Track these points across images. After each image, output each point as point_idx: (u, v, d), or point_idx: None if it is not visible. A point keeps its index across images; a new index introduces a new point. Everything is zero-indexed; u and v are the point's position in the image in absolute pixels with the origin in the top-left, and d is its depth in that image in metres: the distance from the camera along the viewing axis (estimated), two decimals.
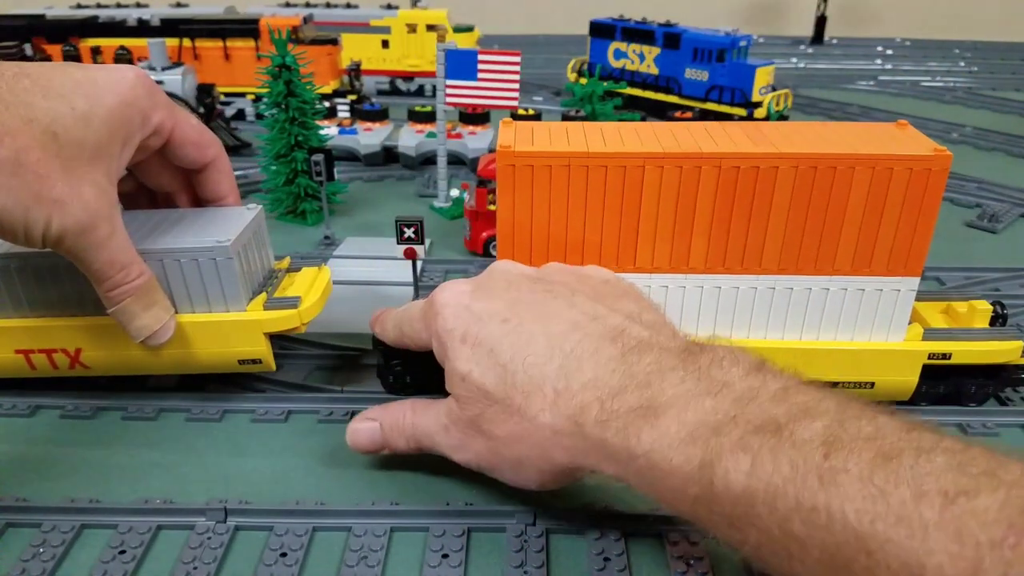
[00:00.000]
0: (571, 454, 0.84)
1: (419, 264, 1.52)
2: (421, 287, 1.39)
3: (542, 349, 0.86)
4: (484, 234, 1.82)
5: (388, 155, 2.53)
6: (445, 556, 0.97)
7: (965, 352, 1.18)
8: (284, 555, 0.97)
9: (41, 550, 0.97)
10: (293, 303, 1.20)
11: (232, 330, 1.18)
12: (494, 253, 1.83)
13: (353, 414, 1.26)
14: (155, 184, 1.25)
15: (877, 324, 1.17)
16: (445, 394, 1.28)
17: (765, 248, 1.11)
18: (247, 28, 3.01)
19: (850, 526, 0.53)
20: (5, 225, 0.92)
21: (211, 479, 1.12)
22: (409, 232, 1.41)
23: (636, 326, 0.89)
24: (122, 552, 0.97)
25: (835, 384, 1.20)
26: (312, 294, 1.24)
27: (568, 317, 0.91)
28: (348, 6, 3.72)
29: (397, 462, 1.16)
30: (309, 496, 1.07)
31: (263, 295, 1.21)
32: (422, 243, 1.41)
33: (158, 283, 1.11)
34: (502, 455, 0.92)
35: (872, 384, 1.20)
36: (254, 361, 1.22)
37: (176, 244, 1.13)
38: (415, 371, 1.27)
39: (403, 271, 1.48)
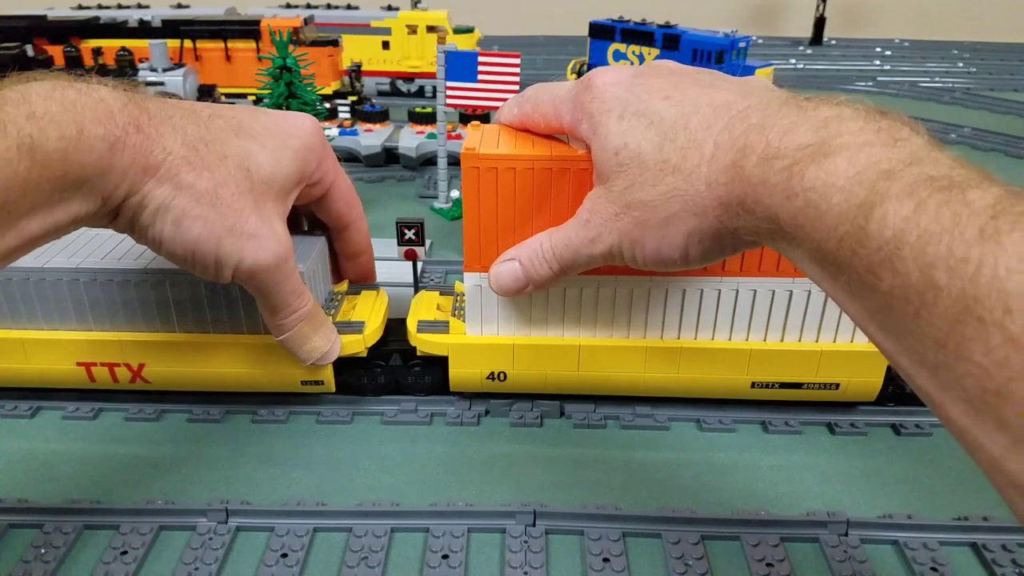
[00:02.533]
0: (724, 207, 0.78)
1: (419, 265, 1.52)
2: (421, 288, 1.40)
3: (707, 115, 0.82)
4: None
5: (389, 156, 2.54)
6: (445, 556, 0.98)
7: None
8: (285, 556, 0.98)
9: (43, 551, 0.98)
10: (358, 328, 1.21)
11: None
12: None
13: (355, 415, 1.27)
14: (333, 217, 1.25)
15: (842, 326, 1.18)
16: (433, 393, 1.29)
17: None
18: (248, 29, 3.01)
19: (998, 281, 0.52)
20: (198, 256, 0.94)
21: (212, 480, 1.12)
22: (410, 233, 1.42)
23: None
24: (124, 553, 0.98)
25: (800, 385, 1.21)
26: (374, 319, 1.25)
27: (737, 89, 0.86)
28: (349, 7, 3.73)
29: (397, 462, 1.16)
30: (310, 496, 1.08)
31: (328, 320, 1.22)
32: (422, 244, 1.41)
33: (319, 306, 1.13)
34: (648, 221, 0.86)
35: (837, 385, 1.21)
36: (316, 382, 1.23)
37: None
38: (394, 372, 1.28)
39: (403, 272, 1.48)
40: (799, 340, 1.20)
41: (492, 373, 1.22)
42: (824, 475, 1.15)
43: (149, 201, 0.90)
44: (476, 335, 1.21)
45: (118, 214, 0.91)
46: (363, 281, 1.36)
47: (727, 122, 0.80)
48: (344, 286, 1.36)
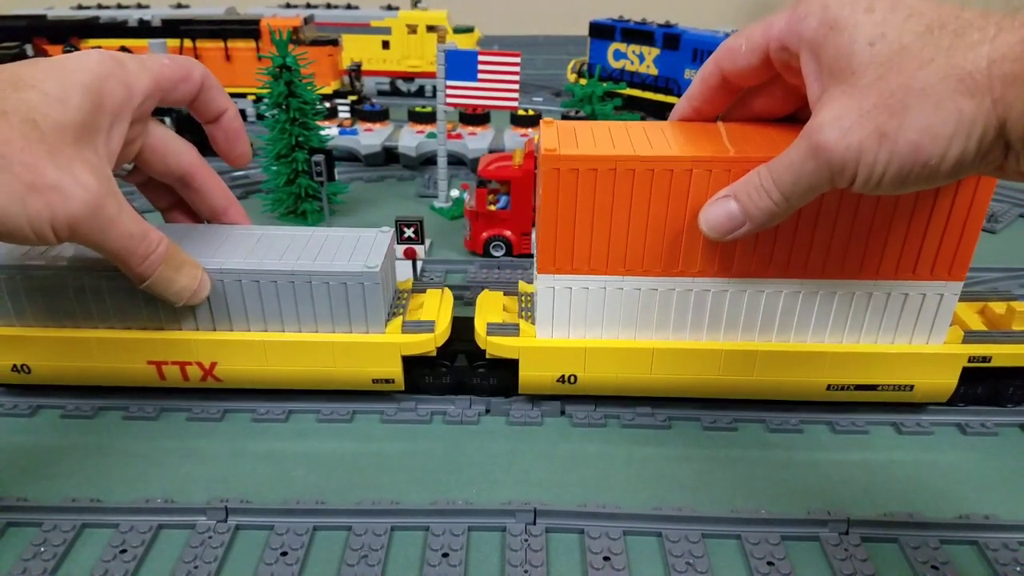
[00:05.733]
0: (1008, 84, 0.73)
1: (419, 264, 1.52)
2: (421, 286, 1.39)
3: (976, 10, 0.77)
4: (484, 234, 1.82)
5: (388, 155, 2.54)
6: (445, 555, 0.98)
7: (1006, 355, 1.18)
8: (285, 554, 0.97)
9: (42, 549, 0.97)
10: (429, 327, 1.21)
11: (372, 351, 1.20)
12: (495, 253, 1.84)
13: (355, 414, 1.27)
14: (162, 172, 1.20)
15: (919, 328, 1.17)
16: (497, 395, 1.28)
17: (811, 253, 1.11)
18: (248, 29, 3.01)
19: None
20: (9, 224, 0.90)
21: (212, 478, 1.12)
22: (409, 232, 1.42)
23: None
24: (123, 551, 0.97)
25: (875, 387, 1.20)
26: (443, 318, 1.25)
27: None
28: (349, 7, 3.73)
29: (396, 460, 1.16)
30: (309, 495, 1.08)
31: (399, 318, 1.22)
32: (422, 243, 1.42)
33: (177, 245, 1.10)
34: (910, 108, 0.77)
35: (912, 387, 1.20)
36: (387, 381, 1.24)
37: (326, 267, 1.15)
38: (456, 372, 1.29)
39: (403, 271, 1.48)
40: (875, 342, 1.18)
41: (563, 376, 1.22)
42: (825, 474, 1.15)
43: None
44: (547, 338, 1.20)
45: None
46: (238, 158, 1.25)
47: (1009, 11, 0.75)
48: (409, 284, 1.36)
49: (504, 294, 1.35)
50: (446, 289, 1.35)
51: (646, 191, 1.07)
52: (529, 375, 1.22)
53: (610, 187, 1.07)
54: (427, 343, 1.21)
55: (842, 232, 1.09)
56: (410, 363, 1.24)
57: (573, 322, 1.19)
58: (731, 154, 1.04)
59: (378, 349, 1.20)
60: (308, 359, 1.20)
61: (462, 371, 1.28)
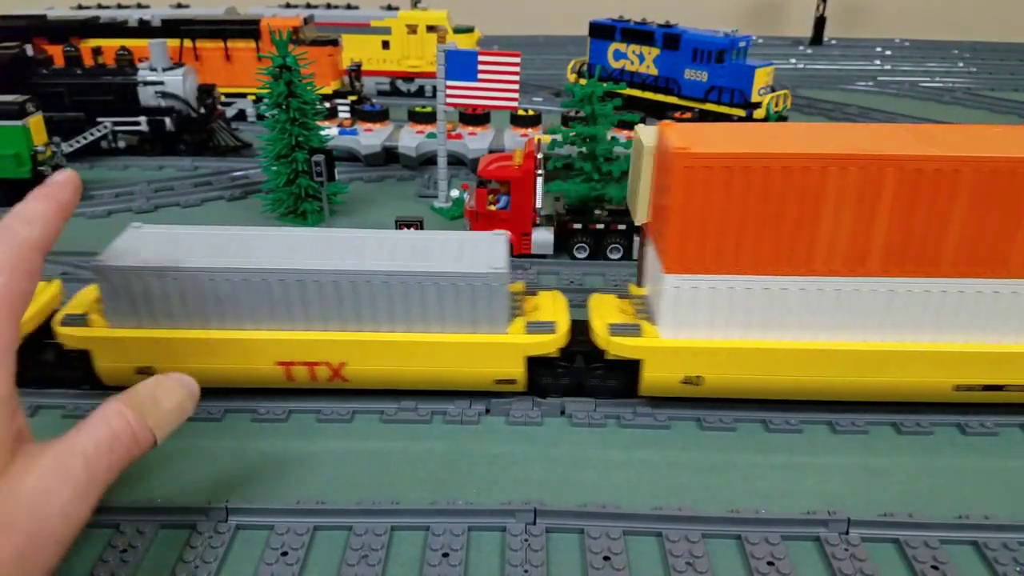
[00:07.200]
0: None
1: None
2: None
3: None
4: None
5: (388, 156, 2.54)
6: (445, 555, 0.98)
7: None
8: (285, 554, 0.97)
9: None
10: (551, 328, 1.22)
11: (496, 352, 1.21)
12: None
13: (355, 413, 1.27)
14: None
15: None
16: (617, 396, 1.26)
17: (942, 251, 1.11)
18: (248, 29, 3.01)
19: None
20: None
21: (212, 479, 1.12)
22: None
23: None
24: (123, 551, 0.97)
25: (1001, 388, 1.18)
26: (563, 320, 1.25)
27: None
28: (349, 7, 3.73)
29: (396, 460, 1.16)
30: (310, 495, 1.08)
31: (520, 319, 1.23)
32: None
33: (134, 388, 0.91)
34: None
35: None
36: (509, 381, 1.24)
37: (451, 269, 1.16)
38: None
39: None
40: (999, 342, 1.17)
41: (687, 377, 1.21)
42: (825, 473, 1.15)
43: None
44: (672, 338, 1.20)
45: None
46: None
47: None
48: (520, 286, 1.36)
49: (618, 296, 1.34)
50: (558, 292, 1.36)
51: (779, 189, 1.06)
52: (653, 376, 1.21)
53: (744, 185, 1.07)
54: (550, 344, 1.22)
55: (973, 230, 1.09)
56: (529, 364, 1.24)
57: (699, 323, 1.18)
58: (866, 152, 1.04)
59: (503, 350, 1.21)
60: (434, 359, 1.21)
61: (580, 372, 1.28)
